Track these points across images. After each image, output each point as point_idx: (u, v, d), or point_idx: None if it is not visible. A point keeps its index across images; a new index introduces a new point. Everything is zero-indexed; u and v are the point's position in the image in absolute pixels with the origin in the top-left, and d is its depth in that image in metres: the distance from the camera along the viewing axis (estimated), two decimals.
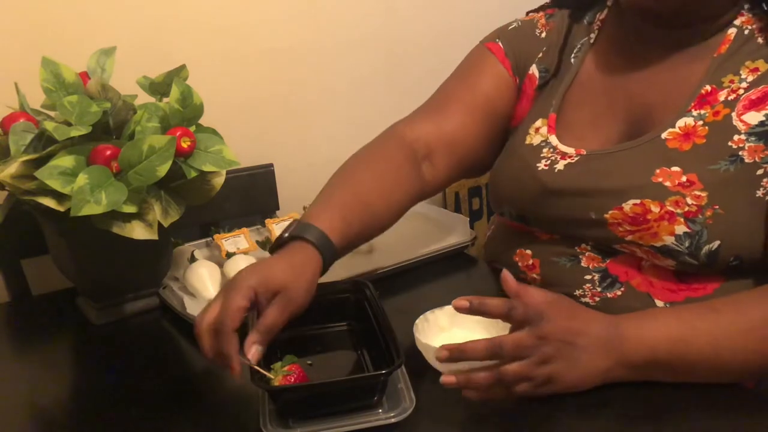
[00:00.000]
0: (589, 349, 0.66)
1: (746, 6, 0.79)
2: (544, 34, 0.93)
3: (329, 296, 0.80)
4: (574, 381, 0.66)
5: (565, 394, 0.66)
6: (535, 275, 0.87)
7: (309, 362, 0.75)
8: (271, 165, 1.26)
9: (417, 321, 0.75)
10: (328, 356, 0.76)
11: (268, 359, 0.73)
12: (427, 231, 1.10)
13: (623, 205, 0.76)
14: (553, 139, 0.85)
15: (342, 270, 0.97)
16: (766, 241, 0.73)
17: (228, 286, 0.68)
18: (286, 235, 0.74)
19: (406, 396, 0.67)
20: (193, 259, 0.96)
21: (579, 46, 0.90)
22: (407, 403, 0.66)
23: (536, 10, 0.98)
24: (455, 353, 0.65)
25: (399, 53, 1.45)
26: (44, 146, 0.81)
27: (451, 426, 0.67)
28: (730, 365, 0.67)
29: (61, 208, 0.78)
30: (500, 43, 0.95)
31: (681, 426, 0.64)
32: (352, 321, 0.80)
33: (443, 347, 0.66)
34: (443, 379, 0.66)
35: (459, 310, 0.67)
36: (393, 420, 0.64)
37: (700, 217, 0.72)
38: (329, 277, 0.87)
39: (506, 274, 0.68)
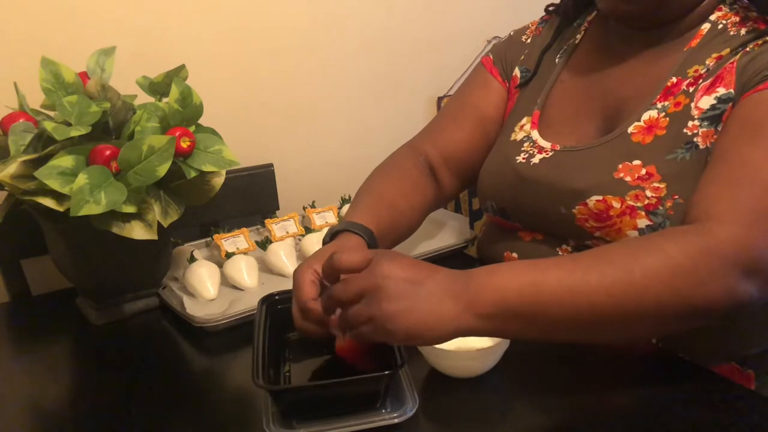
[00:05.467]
0: (436, 293, 0.60)
1: (728, 0, 0.80)
2: (529, 40, 0.99)
3: None
4: (421, 321, 0.59)
5: (561, 391, 0.66)
6: None
7: (321, 363, 0.75)
8: (271, 165, 1.26)
9: None
10: (337, 357, 0.76)
11: (275, 361, 0.74)
12: (427, 231, 1.10)
13: (587, 201, 0.77)
14: (535, 134, 0.89)
15: None
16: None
17: (294, 281, 0.73)
18: (326, 238, 0.82)
19: (409, 396, 0.67)
20: (192, 260, 0.95)
21: (565, 47, 0.94)
22: (410, 403, 0.66)
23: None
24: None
25: (399, 54, 1.45)
26: (44, 146, 0.81)
27: (454, 426, 0.67)
28: (588, 316, 0.60)
29: (61, 208, 0.78)
30: (490, 55, 1.02)
31: (680, 425, 0.64)
32: None
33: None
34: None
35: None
36: (396, 420, 0.64)
37: (661, 208, 0.73)
38: None
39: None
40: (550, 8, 0.99)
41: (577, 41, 0.93)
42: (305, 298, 0.69)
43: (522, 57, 0.98)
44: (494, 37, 1.51)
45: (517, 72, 0.98)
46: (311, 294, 0.70)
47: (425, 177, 0.97)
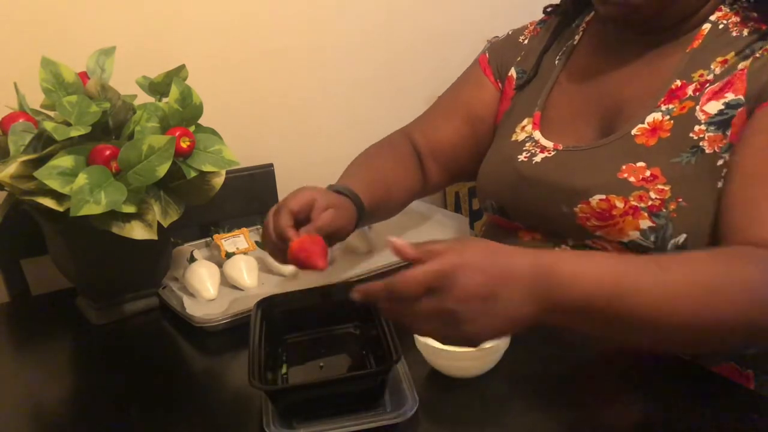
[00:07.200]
0: (514, 298, 0.56)
1: (727, 0, 0.80)
2: (526, 41, 1.00)
3: (337, 297, 0.80)
4: (496, 331, 0.58)
5: (560, 391, 0.66)
6: None
7: (321, 365, 0.75)
8: (271, 165, 1.26)
9: None
10: (337, 358, 0.77)
11: (273, 364, 0.74)
12: (427, 231, 1.10)
13: (590, 200, 0.77)
14: (537, 134, 0.89)
15: (342, 270, 0.97)
16: (714, 221, 0.71)
17: (294, 191, 0.79)
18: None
19: (410, 396, 0.67)
20: (192, 260, 0.95)
21: (564, 48, 0.94)
22: (411, 402, 0.66)
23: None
24: (362, 292, 0.59)
25: (399, 53, 1.45)
26: (44, 146, 0.81)
27: (454, 426, 0.67)
28: (666, 334, 0.61)
29: (61, 208, 0.78)
30: (487, 53, 1.03)
31: (680, 425, 0.64)
32: (359, 322, 0.81)
33: (355, 288, 0.59)
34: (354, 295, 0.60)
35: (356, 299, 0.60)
36: (396, 420, 0.64)
37: (664, 210, 0.73)
38: (330, 278, 0.88)
39: (397, 243, 0.58)
40: (549, 9, 0.99)
41: (575, 42, 0.93)
42: (289, 208, 0.75)
43: (519, 58, 0.98)
44: (494, 37, 1.50)
45: (513, 73, 0.98)
46: (296, 207, 0.76)
47: (415, 164, 1.01)
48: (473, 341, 0.58)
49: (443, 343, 0.60)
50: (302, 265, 0.72)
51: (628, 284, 0.59)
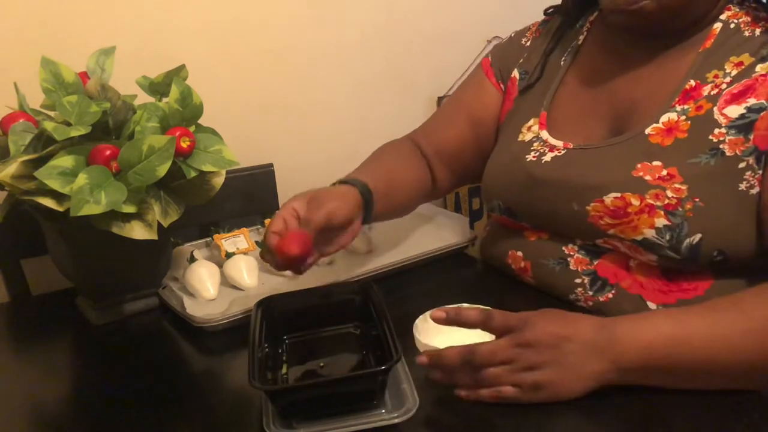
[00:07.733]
0: (579, 353, 0.63)
1: (735, 0, 0.80)
2: (529, 43, 1.00)
3: (337, 297, 0.80)
4: (565, 387, 0.64)
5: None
6: (529, 278, 0.89)
7: (321, 365, 0.75)
8: (271, 165, 1.26)
9: (417, 321, 0.75)
10: (337, 358, 0.77)
11: (273, 364, 0.74)
12: (427, 231, 1.10)
13: (604, 198, 0.77)
14: (544, 134, 0.89)
15: (341, 270, 0.97)
16: (758, 238, 0.73)
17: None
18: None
19: (410, 396, 0.67)
20: (192, 260, 0.95)
21: (569, 48, 0.93)
22: (411, 403, 0.66)
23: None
24: (434, 359, 0.66)
25: (399, 53, 1.45)
26: (44, 146, 0.81)
27: (454, 426, 0.67)
28: (731, 367, 0.64)
29: (61, 208, 0.78)
30: (489, 56, 1.04)
31: (680, 425, 0.64)
32: (359, 322, 0.81)
33: (423, 353, 0.67)
34: (418, 358, 0.67)
35: (436, 320, 0.68)
36: (396, 420, 0.64)
37: (680, 209, 0.73)
38: (330, 278, 0.88)
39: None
40: (549, 10, 0.99)
41: (579, 42, 0.93)
42: (270, 229, 0.76)
43: (521, 60, 0.98)
44: (494, 37, 1.51)
45: (516, 74, 0.98)
46: (288, 215, 0.77)
47: (423, 163, 1.02)
48: (547, 391, 0.64)
49: (520, 399, 0.65)
50: (280, 256, 0.73)
51: (683, 339, 0.64)
